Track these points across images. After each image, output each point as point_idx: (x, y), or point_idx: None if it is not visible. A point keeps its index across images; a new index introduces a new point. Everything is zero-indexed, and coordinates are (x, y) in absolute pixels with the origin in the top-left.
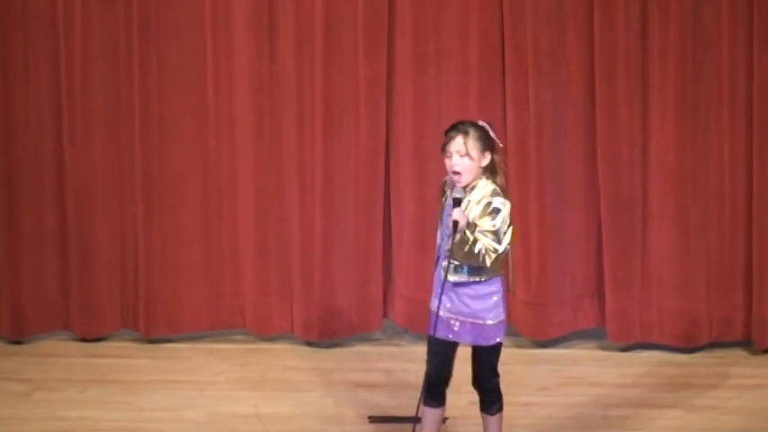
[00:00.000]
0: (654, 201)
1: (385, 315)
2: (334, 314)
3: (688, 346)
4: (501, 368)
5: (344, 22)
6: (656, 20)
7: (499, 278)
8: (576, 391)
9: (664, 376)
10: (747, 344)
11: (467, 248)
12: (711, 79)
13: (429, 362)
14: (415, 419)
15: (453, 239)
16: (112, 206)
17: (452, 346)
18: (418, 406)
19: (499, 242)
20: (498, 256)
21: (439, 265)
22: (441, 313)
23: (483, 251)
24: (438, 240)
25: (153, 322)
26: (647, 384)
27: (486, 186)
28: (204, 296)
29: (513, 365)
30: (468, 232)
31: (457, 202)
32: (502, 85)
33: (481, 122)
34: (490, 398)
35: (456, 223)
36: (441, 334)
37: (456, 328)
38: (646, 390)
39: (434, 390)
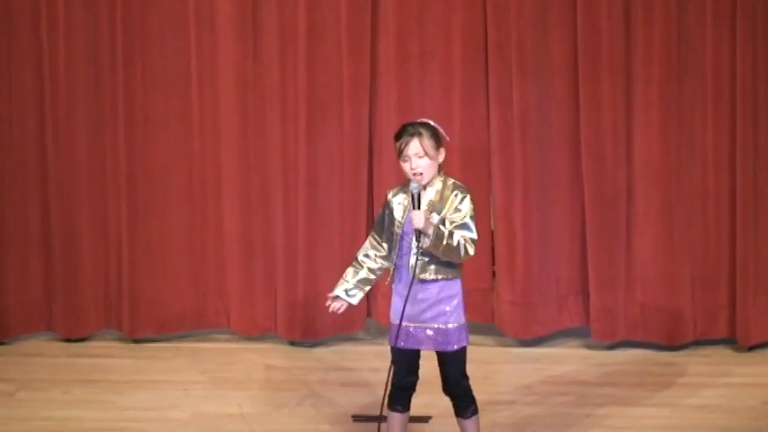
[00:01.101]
0: (638, 199)
1: (368, 315)
2: (318, 314)
3: (673, 343)
4: (485, 367)
5: (328, 22)
6: (639, 18)
7: (460, 280)
8: (561, 389)
9: (648, 374)
10: (732, 341)
11: (445, 242)
12: (695, 77)
13: (394, 369)
14: (380, 418)
15: (420, 239)
16: (96, 206)
17: (416, 353)
18: (382, 406)
19: (473, 231)
20: (475, 245)
21: (398, 275)
22: (396, 321)
23: (462, 242)
24: (398, 248)
25: (137, 322)
26: (631, 383)
27: (444, 181)
28: (188, 296)
29: (497, 364)
30: (441, 226)
31: (416, 197)
32: (485, 85)
33: (427, 120)
34: (463, 402)
35: (418, 232)
36: (402, 343)
37: (418, 336)
38: (631, 388)
39: (401, 395)
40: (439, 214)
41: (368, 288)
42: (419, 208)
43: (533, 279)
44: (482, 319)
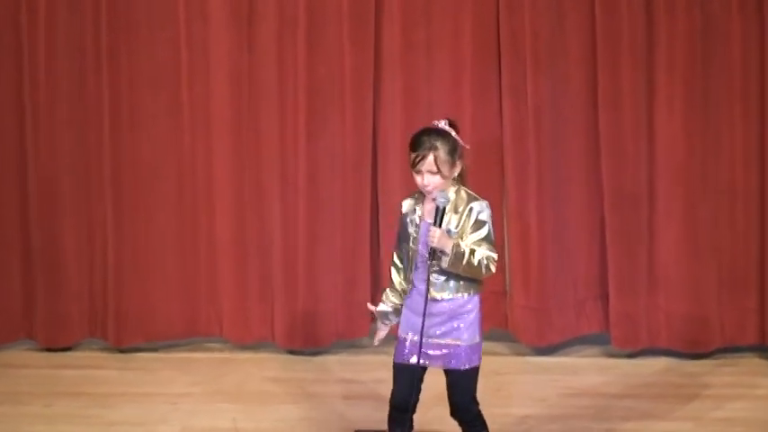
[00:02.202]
0: (661, 198)
1: (373, 321)
2: (319, 320)
3: (698, 351)
4: (496, 378)
5: (328, 10)
6: (662, 5)
7: (479, 296)
8: (578, 401)
9: (672, 385)
10: (762, 349)
11: (465, 261)
12: (722, 68)
13: (394, 387)
14: None
15: (439, 258)
16: (80, 208)
17: (421, 371)
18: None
19: (494, 248)
20: (496, 262)
21: (412, 292)
22: (405, 336)
23: (484, 261)
24: (414, 267)
25: (123, 331)
26: (653, 394)
27: (458, 192)
28: (178, 302)
29: (510, 375)
30: (461, 244)
31: (440, 213)
32: (498, 76)
33: (445, 126)
34: (473, 428)
35: (434, 251)
36: (407, 358)
37: (426, 352)
38: (652, 400)
39: (400, 416)
40: (454, 228)
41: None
42: (440, 225)
43: (549, 282)
44: (495, 325)
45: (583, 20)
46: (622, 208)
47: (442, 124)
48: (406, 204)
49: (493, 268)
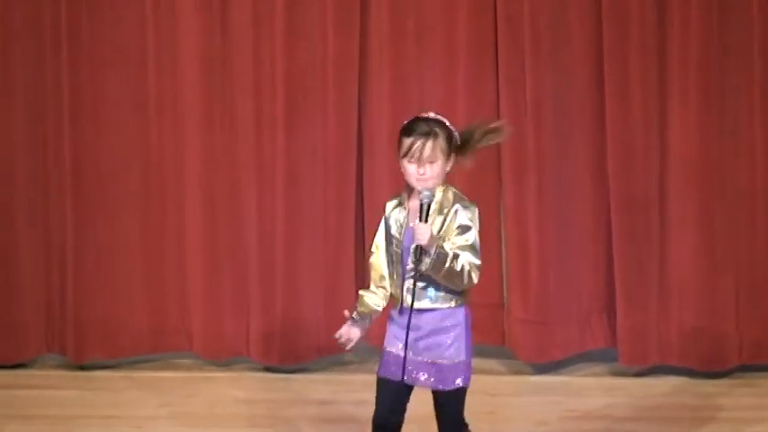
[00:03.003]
0: (673, 200)
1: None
2: (299, 334)
3: (714, 370)
4: (491, 400)
5: None
6: None
7: (465, 308)
8: (582, 425)
9: (685, 407)
10: None
11: (447, 265)
12: (741, 57)
13: (377, 403)
14: None
15: (420, 260)
16: (36, 207)
17: (405, 389)
18: None
19: (478, 255)
20: (480, 272)
21: (399, 299)
22: (391, 350)
23: (467, 267)
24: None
25: (84, 345)
26: (665, 417)
27: (445, 191)
28: (145, 314)
29: (508, 396)
30: (445, 246)
31: (425, 208)
32: (494, 66)
33: (442, 118)
34: None
35: (420, 248)
36: (392, 373)
37: (410, 368)
38: (664, 423)
39: None
40: (436, 231)
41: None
42: (426, 221)
43: (550, 294)
44: (490, 341)
45: (588, 4)
46: (631, 211)
47: (438, 116)
48: (391, 206)
49: (475, 278)
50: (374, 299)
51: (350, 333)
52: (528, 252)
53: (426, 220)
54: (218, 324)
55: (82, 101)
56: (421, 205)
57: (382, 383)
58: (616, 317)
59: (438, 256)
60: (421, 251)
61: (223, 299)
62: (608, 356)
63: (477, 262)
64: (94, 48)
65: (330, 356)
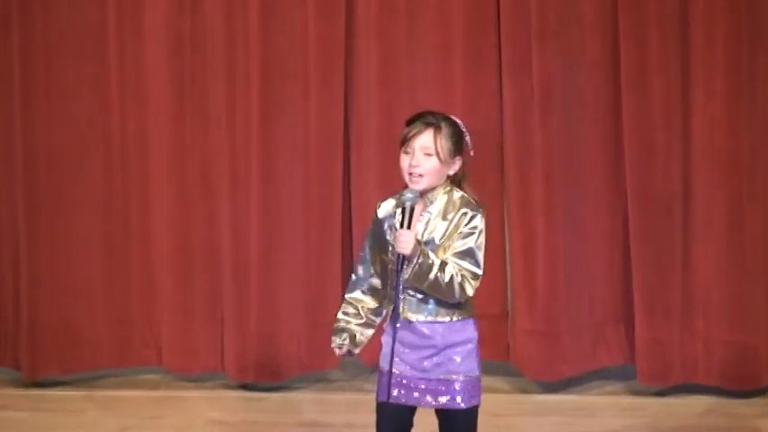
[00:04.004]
0: (698, 199)
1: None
2: (278, 348)
3: (746, 388)
4: (495, 421)
5: None
6: None
7: (474, 320)
8: None
9: (712, 429)
10: None
11: (432, 276)
12: None
13: (378, 430)
14: None
15: (401, 269)
16: None
17: (409, 412)
18: None
19: (477, 264)
20: (479, 282)
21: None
22: (390, 369)
23: (457, 278)
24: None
25: (39, 359)
26: None
27: (450, 194)
28: (106, 324)
29: (512, 416)
30: (431, 255)
31: (407, 212)
32: (496, 47)
33: (455, 118)
34: None
35: (401, 257)
36: (394, 397)
37: (415, 389)
38: None
39: None
40: (438, 238)
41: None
42: (409, 227)
43: (560, 302)
44: (493, 356)
45: None
46: (651, 211)
47: (453, 117)
48: (385, 207)
49: (469, 289)
50: (359, 327)
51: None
52: (535, 256)
53: (409, 227)
54: (189, 335)
55: (35, 86)
56: (402, 209)
57: (382, 409)
58: (634, 329)
59: (420, 265)
60: (403, 259)
61: (194, 307)
62: (625, 373)
63: (475, 270)
64: (48, 28)
65: (313, 373)
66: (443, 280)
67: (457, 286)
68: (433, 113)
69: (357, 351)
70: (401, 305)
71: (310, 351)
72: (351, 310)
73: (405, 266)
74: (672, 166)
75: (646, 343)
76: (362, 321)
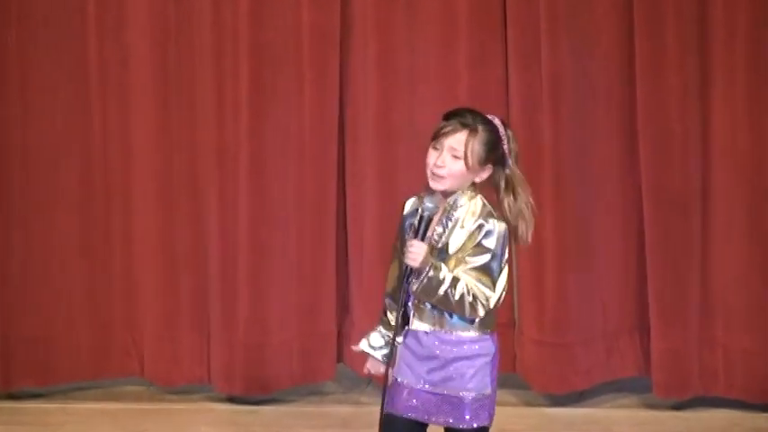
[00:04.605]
0: (718, 198)
1: (340, 359)
2: (269, 358)
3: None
4: None
5: None
6: None
7: (492, 336)
8: None
9: None
10: None
11: (441, 293)
12: None
13: None
14: None
15: (408, 281)
16: None
17: (417, 427)
18: None
19: (492, 284)
20: (492, 305)
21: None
22: (399, 379)
23: (468, 297)
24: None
25: (12, 370)
26: None
27: (475, 202)
28: (85, 332)
29: (520, 431)
30: (443, 269)
31: (424, 222)
32: (502, 37)
33: (497, 121)
34: None
35: (409, 269)
36: (399, 410)
37: (422, 403)
38: None
39: None
40: (453, 248)
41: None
42: (423, 239)
43: (570, 310)
44: (500, 367)
45: None
46: (667, 212)
47: (496, 120)
48: (408, 205)
49: (481, 310)
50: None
51: (377, 368)
52: (543, 261)
53: (423, 238)
54: (173, 343)
55: (7, 77)
56: (420, 218)
57: (388, 422)
58: (649, 338)
59: (430, 280)
60: (410, 271)
61: (179, 314)
62: (640, 386)
63: (488, 293)
64: (23, 15)
65: (306, 385)
66: (453, 298)
67: (468, 306)
68: (472, 113)
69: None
70: (411, 313)
71: (303, 361)
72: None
73: (412, 278)
74: (689, 164)
75: (662, 353)
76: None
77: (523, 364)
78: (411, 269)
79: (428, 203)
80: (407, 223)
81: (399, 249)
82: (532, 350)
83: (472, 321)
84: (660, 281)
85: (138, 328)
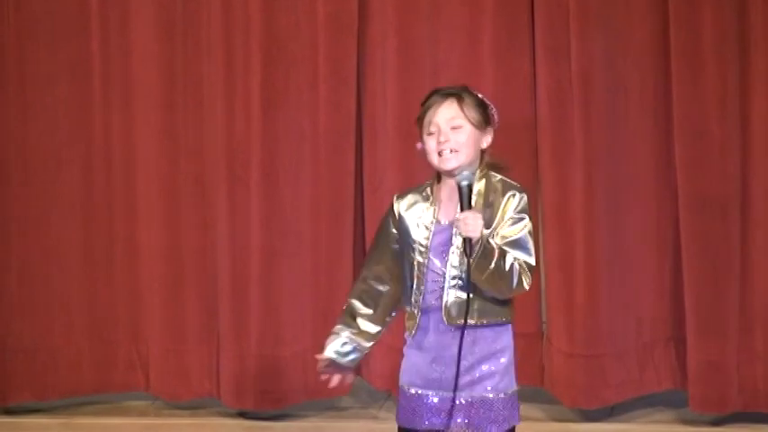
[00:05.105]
0: (759, 203)
1: (357, 372)
2: (282, 371)
3: None
4: None
5: None
6: None
7: (511, 326)
8: None
9: None
10: None
11: (494, 263)
12: None
13: None
14: None
15: (471, 257)
16: None
17: None
18: None
19: (530, 253)
20: (532, 275)
21: (422, 322)
22: (416, 391)
23: (517, 267)
24: (421, 283)
25: (10, 383)
26: None
27: (488, 176)
28: (87, 343)
29: None
30: (491, 240)
31: (465, 192)
32: (530, 29)
33: (471, 88)
34: None
35: (469, 242)
36: (422, 421)
37: (444, 410)
38: None
39: None
40: (487, 227)
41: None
42: (470, 206)
43: (601, 320)
44: (525, 380)
45: None
46: (704, 218)
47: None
48: (405, 202)
49: (526, 281)
50: (368, 326)
51: (343, 378)
52: (573, 267)
53: (470, 206)
54: (180, 356)
55: (7, 72)
56: (460, 189)
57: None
58: (686, 350)
59: (484, 251)
60: (471, 245)
61: (186, 325)
62: (676, 400)
63: (531, 261)
64: (22, 8)
65: (321, 400)
66: (503, 268)
67: (516, 276)
68: (447, 87)
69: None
70: (443, 308)
71: (317, 376)
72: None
73: (472, 253)
74: (729, 164)
75: (699, 365)
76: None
77: (552, 377)
78: (470, 244)
79: (464, 173)
80: (408, 222)
81: (407, 250)
82: (561, 362)
83: (501, 306)
84: (697, 289)
85: (142, 340)
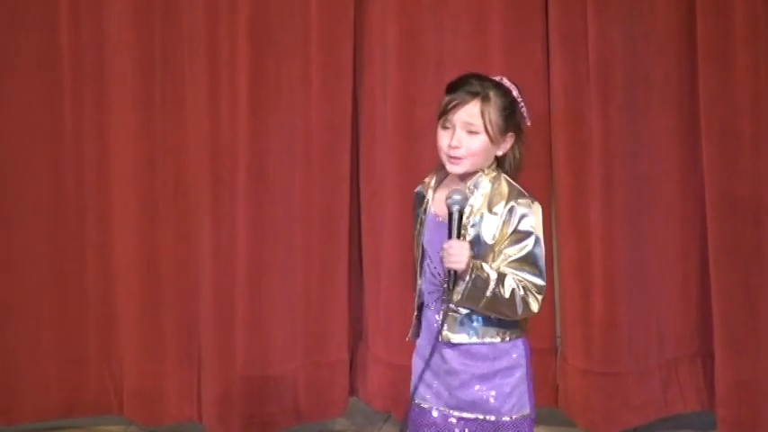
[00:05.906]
0: None
1: (353, 393)
2: (271, 392)
3: None
4: None
5: None
6: None
7: (525, 342)
8: None
9: None
10: None
11: (489, 293)
12: None
13: None
14: None
15: (453, 286)
16: None
17: None
18: None
19: (539, 272)
20: (544, 296)
21: (423, 321)
22: (421, 403)
23: (520, 291)
24: (420, 275)
25: None
26: None
27: (498, 181)
28: (55, 364)
29: None
30: (485, 267)
31: (455, 217)
32: (543, 16)
33: (506, 82)
34: None
35: (452, 272)
36: None
37: (446, 429)
38: None
39: None
40: (489, 237)
41: None
42: (460, 236)
43: (621, 334)
44: (539, 400)
45: None
46: (734, 223)
47: (504, 80)
48: (424, 184)
49: (534, 305)
50: None
51: None
52: (590, 278)
53: (459, 236)
54: (158, 378)
55: None
56: (450, 215)
57: None
58: (714, 368)
59: (474, 282)
60: (455, 276)
61: (165, 343)
62: (703, 422)
63: (539, 282)
64: None
65: (313, 423)
66: (503, 296)
67: (519, 302)
68: (479, 78)
69: None
70: (440, 323)
71: (310, 396)
72: None
73: (456, 285)
74: (760, 165)
75: (728, 385)
76: None
77: (567, 397)
78: (455, 274)
79: (455, 196)
80: (433, 197)
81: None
82: (577, 381)
83: (509, 322)
84: (726, 302)
85: (116, 360)
